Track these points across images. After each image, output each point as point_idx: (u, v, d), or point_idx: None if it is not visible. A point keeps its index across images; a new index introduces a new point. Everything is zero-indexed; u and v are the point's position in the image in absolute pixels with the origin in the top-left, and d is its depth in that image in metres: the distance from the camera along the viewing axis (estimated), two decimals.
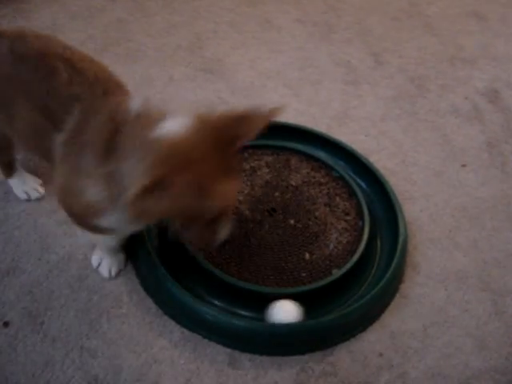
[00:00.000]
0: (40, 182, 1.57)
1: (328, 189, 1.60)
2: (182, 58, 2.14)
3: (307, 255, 1.44)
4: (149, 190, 0.89)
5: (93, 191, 1.08)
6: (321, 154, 1.70)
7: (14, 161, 1.51)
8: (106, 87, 1.13)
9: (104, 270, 1.40)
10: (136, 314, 1.34)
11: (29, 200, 1.54)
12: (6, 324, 1.30)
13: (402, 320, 1.40)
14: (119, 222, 1.13)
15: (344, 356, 1.32)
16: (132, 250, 1.44)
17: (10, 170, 1.52)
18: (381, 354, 1.33)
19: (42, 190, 1.56)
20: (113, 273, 1.40)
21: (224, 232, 1.12)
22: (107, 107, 1.09)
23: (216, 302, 1.36)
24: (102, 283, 1.39)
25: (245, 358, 1.29)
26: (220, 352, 1.29)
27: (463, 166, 1.84)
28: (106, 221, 1.14)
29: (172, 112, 1.02)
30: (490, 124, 2.01)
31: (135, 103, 1.08)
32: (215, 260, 1.40)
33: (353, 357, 1.32)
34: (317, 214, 1.53)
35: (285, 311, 1.30)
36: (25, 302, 1.34)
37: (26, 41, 1.18)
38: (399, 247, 1.46)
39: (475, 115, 2.04)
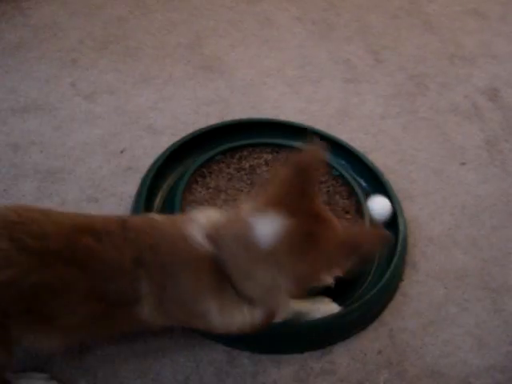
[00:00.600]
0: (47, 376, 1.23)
1: (328, 187, 1.60)
2: (182, 56, 2.13)
3: None
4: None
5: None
6: None
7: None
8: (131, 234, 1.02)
9: None
10: None
11: None
12: None
13: (401, 318, 1.40)
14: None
15: (343, 354, 1.32)
16: None
17: None
18: (380, 352, 1.33)
19: None
20: None
21: None
22: (178, 249, 1.02)
23: None
24: None
25: (244, 357, 1.29)
26: (219, 350, 1.29)
27: (462, 164, 1.84)
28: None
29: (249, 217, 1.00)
30: (489, 122, 2.01)
31: (193, 232, 1.03)
32: None
33: (352, 355, 1.32)
34: None
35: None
36: None
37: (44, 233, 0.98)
38: (399, 245, 1.46)
39: (475, 113, 2.04)
